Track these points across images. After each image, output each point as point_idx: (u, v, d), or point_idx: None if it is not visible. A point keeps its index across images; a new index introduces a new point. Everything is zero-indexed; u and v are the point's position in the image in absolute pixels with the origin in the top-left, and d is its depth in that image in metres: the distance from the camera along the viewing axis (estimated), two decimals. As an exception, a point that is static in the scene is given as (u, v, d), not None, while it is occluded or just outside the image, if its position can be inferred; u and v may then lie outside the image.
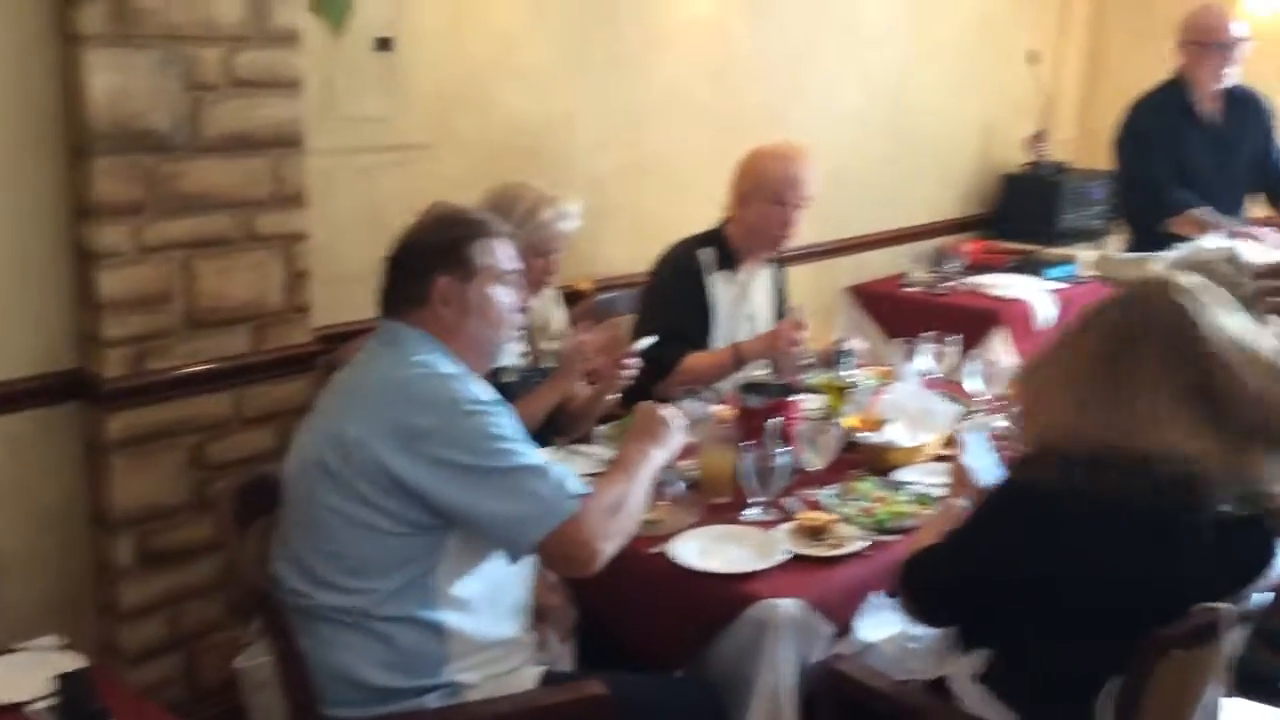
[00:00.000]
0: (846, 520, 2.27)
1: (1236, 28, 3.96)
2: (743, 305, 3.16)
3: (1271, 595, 1.81)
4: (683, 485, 2.39)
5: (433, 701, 1.85)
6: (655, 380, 2.82)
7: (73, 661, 2.04)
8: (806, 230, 4.15)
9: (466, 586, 1.87)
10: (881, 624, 2.08)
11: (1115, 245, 4.71)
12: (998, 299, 4.22)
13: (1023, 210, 5.05)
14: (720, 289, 3.09)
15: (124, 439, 2.49)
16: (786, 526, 2.25)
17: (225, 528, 2.01)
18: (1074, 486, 1.71)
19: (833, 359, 3.02)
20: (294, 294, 2.70)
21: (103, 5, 2.31)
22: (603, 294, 3.45)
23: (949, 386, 3.00)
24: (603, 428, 2.75)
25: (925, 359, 3.05)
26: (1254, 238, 3.74)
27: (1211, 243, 2.49)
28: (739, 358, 2.95)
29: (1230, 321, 1.76)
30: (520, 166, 3.26)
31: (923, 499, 2.36)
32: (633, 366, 2.66)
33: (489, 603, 1.90)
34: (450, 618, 1.85)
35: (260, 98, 2.57)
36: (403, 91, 3.05)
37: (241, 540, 1.97)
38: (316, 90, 2.80)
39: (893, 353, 3.14)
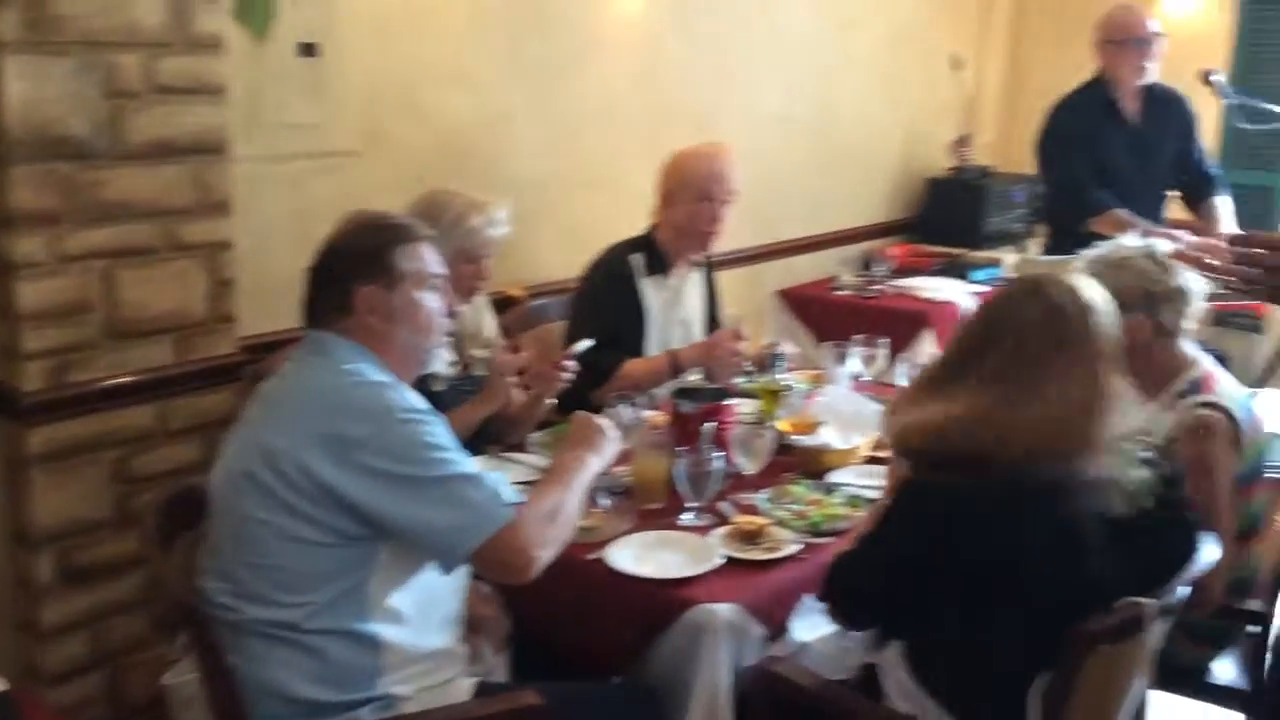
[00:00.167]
0: (781, 523, 2.29)
1: (1151, 24, 4.04)
2: (675, 309, 3.17)
3: (1190, 589, 1.86)
4: (617, 493, 2.39)
5: (366, 715, 1.83)
6: (592, 387, 2.82)
7: (-8, 684, 1.98)
8: (735, 235, 4.18)
9: (399, 598, 1.85)
10: (816, 625, 2.10)
11: (1038, 247, 4.80)
12: (926, 301, 4.29)
13: (948, 214, 5.13)
14: (652, 293, 3.10)
15: (45, 454, 2.43)
16: (721, 531, 2.26)
17: (150, 542, 1.97)
18: (971, 487, 1.74)
19: (765, 363, 3.04)
20: (219, 304, 2.66)
21: (18, 12, 2.26)
22: (535, 300, 3.43)
23: (880, 388, 3.04)
24: (537, 435, 2.74)
25: (855, 362, 3.08)
26: (1171, 239, 3.83)
27: (1132, 240, 2.54)
28: (676, 365, 2.96)
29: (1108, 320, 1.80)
30: (451, 172, 3.24)
31: (856, 501, 2.38)
32: (570, 369, 2.65)
33: (422, 614, 1.88)
34: (383, 630, 1.83)
35: (183, 105, 2.53)
36: (330, 97, 3.02)
37: (167, 555, 1.93)
38: (241, 97, 2.76)
39: (823, 356, 3.17)
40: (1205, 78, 3.90)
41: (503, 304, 3.29)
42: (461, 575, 1.94)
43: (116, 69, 2.41)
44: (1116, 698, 1.82)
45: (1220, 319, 3.97)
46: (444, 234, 2.40)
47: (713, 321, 3.28)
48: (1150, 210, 4.01)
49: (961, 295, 4.28)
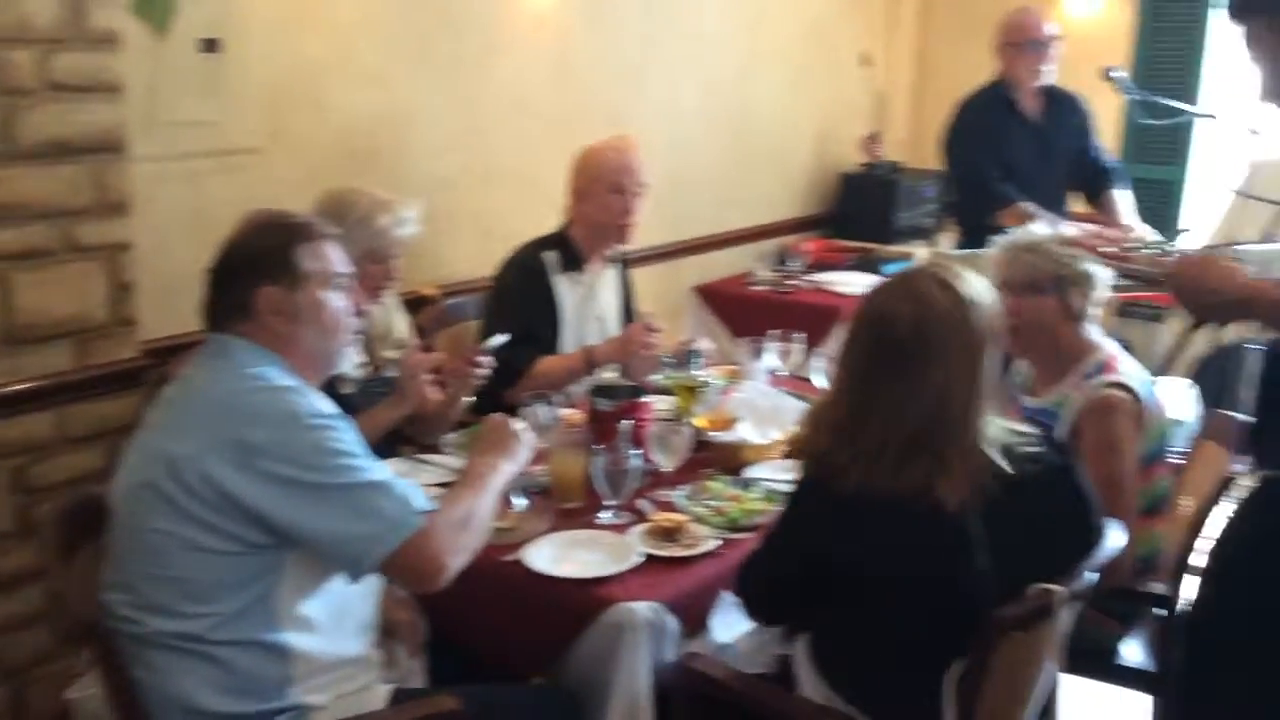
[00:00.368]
0: (699, 520, 2.29)
1: (1049, 27, 4.15)
2: (590, 306, 3.15)
3: (1097, 575, 1.89)
4: (535, 493, 2.36)
5: (279, 725, 1.79)
6: (506, 385, 2.79)
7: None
8: (651, 231, 4.19)
9: (309, 606, 1.80)
10: (735, 622, 2.10)
11: (949, 241, 4.87)
12: (840, 296, 4.34)
13: (860, 209, 5.19)
14: (566, 290, 3.09)
15: (-63, 465, 2.34)
16: (640, 529, 2.25)
17: (50, 554, 1.90)
18: (855, 488, 1.75)
19: (682, 359, 3.04)
20: (119, 307, 2.59)
21: (-99, 6, 2.17)
22: (449, 299, 3.40)
23: (796, 383, 3.06)
24: (453, 435, 2.71)
25: (772, 357, 3.10)
26: (1076, 229, 3.93)
27: (1042, 227, 2.61)
28: (590, 362, 2.94)
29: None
30: (358, 170, 3.19)
31: (773, 496, 2.39)
32: (484, 366, 2.62)
33: (334, 621, 1.84)
34: (293, 638, 1.78)
35: (79, 102, 2.45)
36: (231, 94, 2.95)
37: (68, 567, 1.87)
38: (139, 94, 2.69)
39: (740, 352, 3.18)
40: (1107, 74, 4.00)
41: (416, 303, 3.25)
42: (374, 581, 1.90)
43: (8, 66, 2.33)
44: (1028, 682, 1.85)
45: (1123, 309, 4.08)
46: (350, 234, 2.36)
47: (629, 318, 3.28)
48: (1052, 204, 4.11)
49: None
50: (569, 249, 3.10)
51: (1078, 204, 4.39)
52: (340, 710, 1.83)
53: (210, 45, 2.87)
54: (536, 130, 3.78)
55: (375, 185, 2.72)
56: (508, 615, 2.11)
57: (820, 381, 2.95)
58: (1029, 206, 3.94)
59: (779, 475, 2.49)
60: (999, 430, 1.81)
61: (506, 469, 1.99)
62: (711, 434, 2.64)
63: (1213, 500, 2.31)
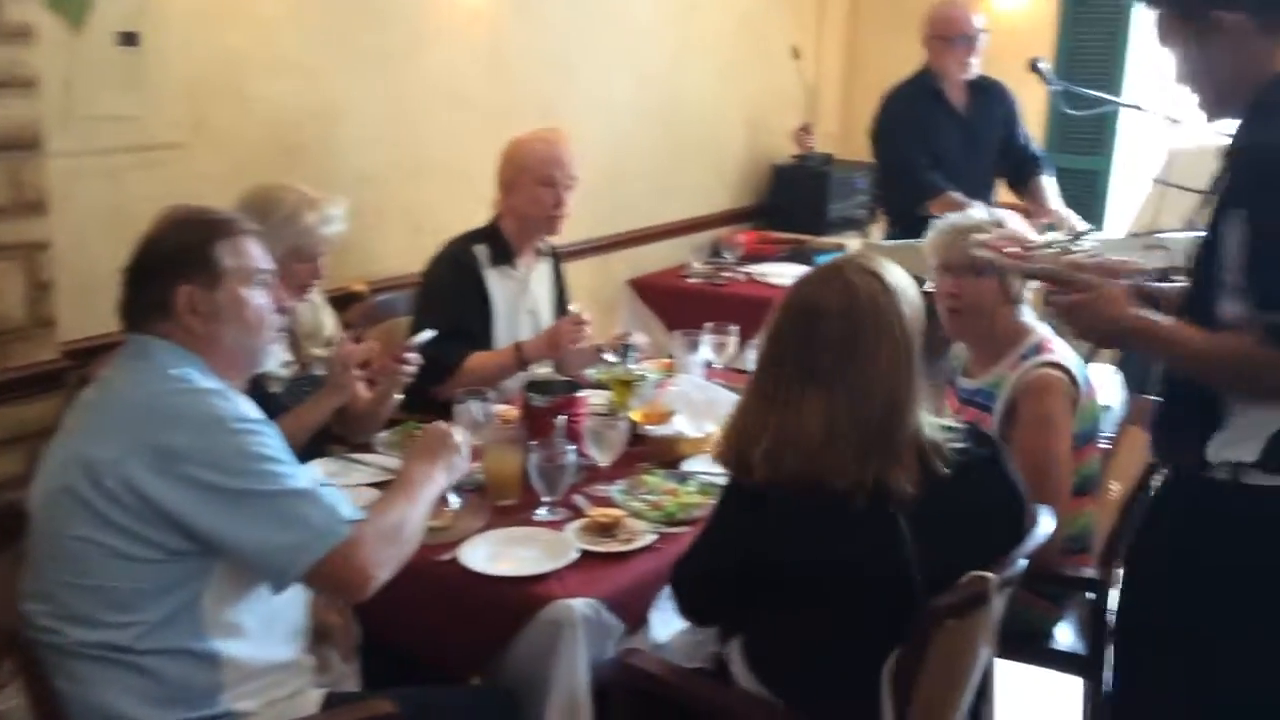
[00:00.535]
0: (636, 515, 2.28)
1: (976, 20, 4.20)
2: (523, 299, 3.13)
3: (1026, 562, 1.91)
4: (469, 490, 2.34)
5: (209, 734, 1.75)
6: (436, 382, 2.76)
7: None
8: (584, 224, 4.17)
9: (238, 611, 1.76)
10: (674, 616, 2.10)
11: (880, 232, 4.91)
12: (774, 287, 4.34)
13: (792, 201, 5.22)
14: (497, 285, 3.06)
15: None
16: (576, 525, 2.23)
17: (-34, 563, 1.84)
18: (784, 490, 1.74)
19: (617, 353, 3.03)
20: (37, 307, 2.52)
21: None
22: (379, 295, 3.35)
23: (731, 375, 3.06)
24: (383, 434, 2.67)
25: (706, 349, 3.09)
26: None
27: (980, 211, 2.66)
28: (521, 358, 2.92)
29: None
30: (284, 164, 3.13)
31: (709, 489, 2.39)
32: (413, 362, 2.59)
33: (264, 626, 1.80)
34: (222, 645, 1.75)
35: (-8, 98, 2.39)
36: (151, 87, 2.87)
37: (-14, 576, 1.81)
38: (56, 89, 2.62)
39: (675, 345, 3.18)
40: (1032, 66, 4.05)
41: (344, 300, 3.20)
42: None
43: (-86, 60, 2.26)
44: (964, 669, 1.87)
45: (1049, 297, 4.13)
46: (276, 231, 2.32)
47: (562, 311, 3.26)
48: (980, 193, 4.15)
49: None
50: (499, 242, 3.07)
51: (1005, 192, 4.44)
52: (272, 716, 1.79)
53: (128, 38, 2.80)
54: (467, 123, 3.74)
55: (302, 180, 2.67)
56: (444, 615, 2.09)
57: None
58: (958, 195, 3.98)
59: (716, 468, 2.48)
60: (929, 426, 1.82)
61: (441, 479, 1.95)
62: (647, 428, 2.63)
63: (1139, 485, 2.36)
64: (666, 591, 2.09)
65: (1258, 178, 1.80)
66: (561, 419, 2.47)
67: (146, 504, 1.67)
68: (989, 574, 1.76)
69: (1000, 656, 2.12)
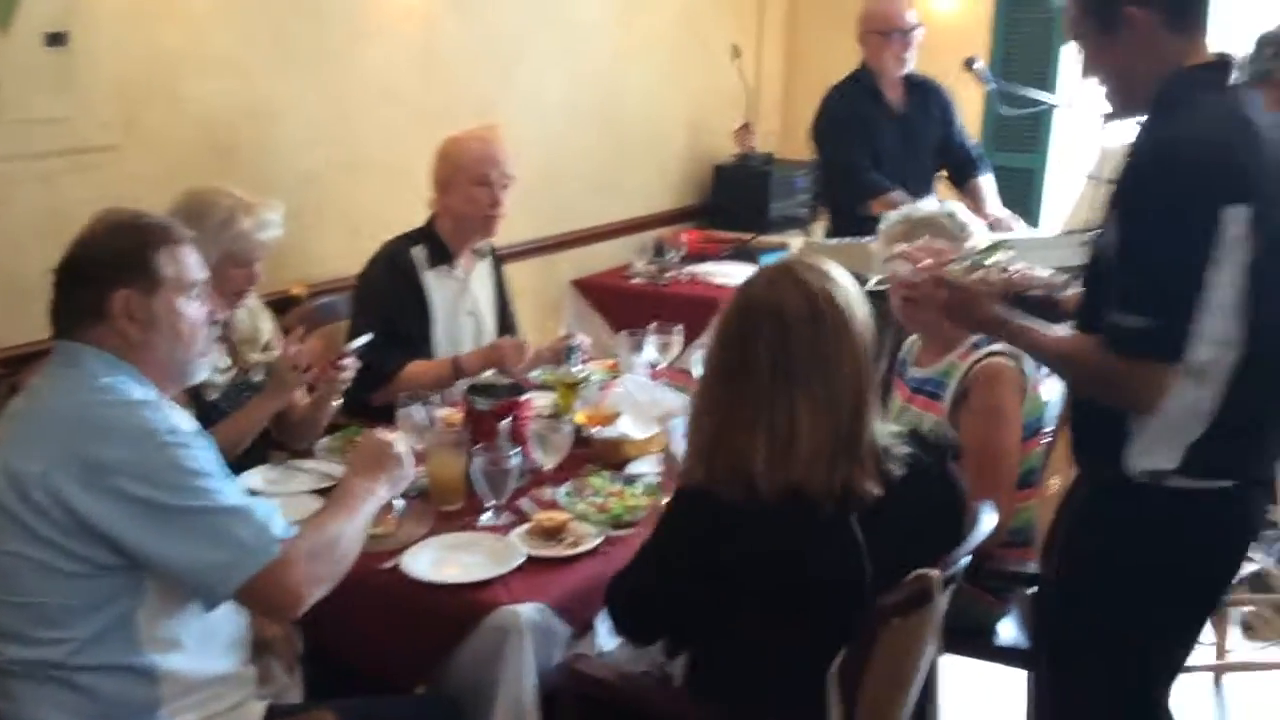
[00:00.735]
0: (582, 518, 2.27)
1: (911, 15, 4.23)
2: (463, 301, 3.10)
3: (969, 558, 1.93)
4: (412, 496, 2.31)
5: (148, 749, 1.71)
6: (373, 389, 2.73)
7: None
8: (527, 225, 4.15)
9: (174, 625, 1.72)
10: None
11: (821, 231, 4.94)
12: (718, 287, 4.35)
13: (735, 200, 5.22)
14: (435, 286, 3.03)
15: None
16: (522, 529, 2.22)
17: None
18: (739, 497, 1.71)
19: (561, 355, 3.01)
20: (-35, 315, 2.45)
21: None
22: (319, 298, 3.30)
23: (676, 375, 3.06)
24: (324, 440, 2.63)
25: (651, 350, 3.09)
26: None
27: (931, 203, 2.69)
28: (458, 371, 2.89)
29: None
30: (219, 165, 3.08)
31: (655, 490, 2.38)
32: (350, 368, 2.55)
33: (202, 639, 1.76)
34: (159, 659, 1.71)
35: (-86, 100, 2.32)
36: (82, 89, 2.81)
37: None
38: (-19, 91, 2.55)
39: (619, 345, 3.17)
40: (968, 65, 4.10)
41: (284, 304, 3.15)
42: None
43: None
44: (910, 667, 1.88)
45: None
46: (211, 237, 2.28)
47: (503, 312, 3.23)
48: (921, 192, 4.18)
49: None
50: (436, 243, 3.04)
51: (945, 190, 4.48)
52: (213, 730, 1.76)
53: (57, 39, 2.73)
54: (405, 121, 3.70)
55: (238, 180, 2.63)
56: (387, 624, 2.06)
57: (700, 373, 2.94)
58: (899, 194, 4.01)
59: (662, 469, 2.48)
60: (880, 430, 1.82)
61: (383, 493, 1.91)
62: (592, 430, 2.62)
63: (1077, 481, 2.38)
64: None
65: (1133, 177, 1.83)
66: (506, 422, 2.45)
67: (73, 518, 1.63)
68: (933, 571, 1.77)
69: (945, 652, 2.14)
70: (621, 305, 4.36)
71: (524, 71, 4.23)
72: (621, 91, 4.76)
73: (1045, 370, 2.36)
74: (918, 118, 4.32)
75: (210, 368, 2.05)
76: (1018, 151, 5.28)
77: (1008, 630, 2.53)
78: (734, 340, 1.79)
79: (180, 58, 3.03)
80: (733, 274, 4.44)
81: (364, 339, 2.58)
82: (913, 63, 4.26)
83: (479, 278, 3.17)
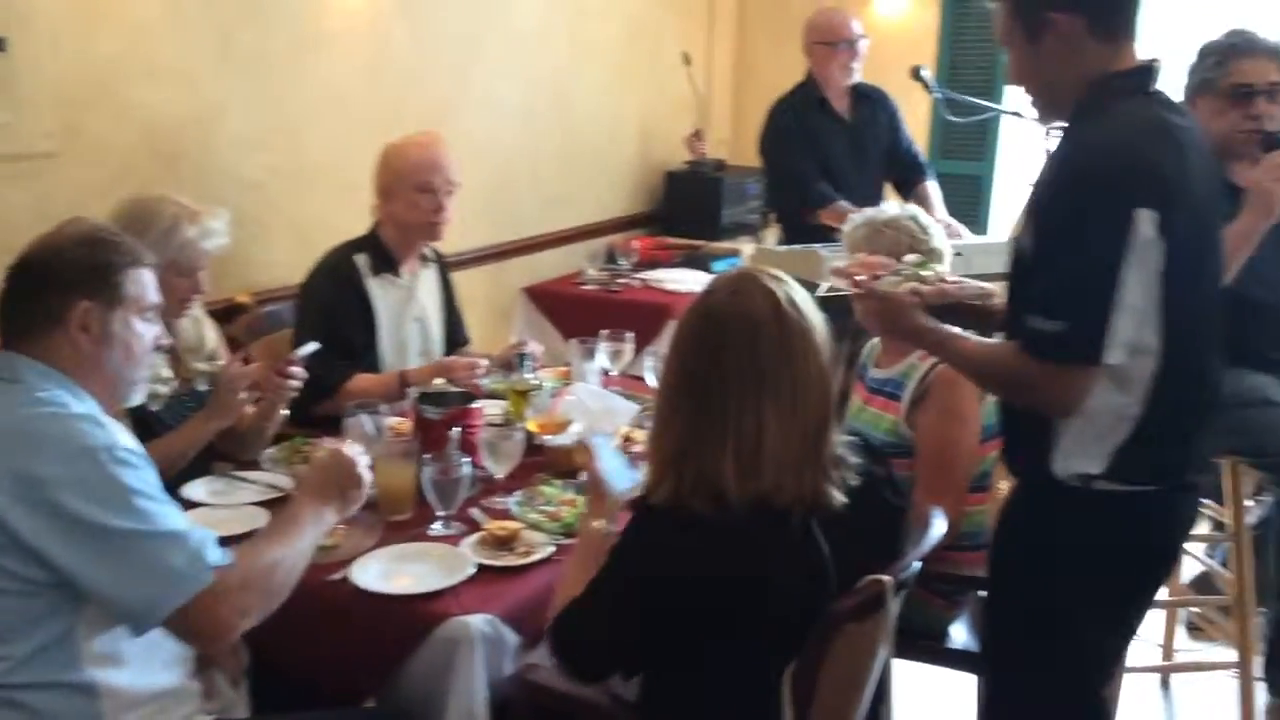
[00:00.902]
0: (534, 527, 2.25)
1: (856, 26, 4.26)
2: (409, 308, 3.07)
3: (920, 564, 1.94)
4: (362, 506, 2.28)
5: (90, 768, 1.66)
6: (319, 400, 2.69)
7: None
8: (478, 232, 4.13)
9: (116, 639, 1.68)
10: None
11: (772, 238, 4.96)
12: (670, 293, 4.36)
13: (686, 206, 5.24)
14: (379, 294, 3.00)
15: None
16: (473, 539, 2.19)
17: None
18: (704, 512, 1.68)
19: (512, 363, 2.99)
20: (-101, 325, 2.37)
21: None
22: (265, 307, 3.26)
23: (627, 383, 3.05)
24: (270, 450, 2.59)
25: (603, 357, 3.07)
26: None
27: (894, 206, 2.71)
28: (405, 384, 2.85)
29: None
30: (163, 172, 3.03)
31: (607, 497, 2.37)
32: (297, 376, 2.52)
33: (144, 653, 1.72)
34: (100, 675, 1.67)
35: None
36: (21, 94, 2.75)
37: None
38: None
39: (571, 353, 3.15)
40: (915, 74, 4.13)
41: (229, 312, 3.11)
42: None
43: None
44: (863, 672, 1.88)
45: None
46: (155, 246, 2.22)
47: (450, 319, 3.21)
48: (869, 201, 4.19)
49: (704, 285, 4.37)
50: (380, 251, 3.01)
51: (892, 199, 4.51)
52: (157, 747, 1.72)
53: (-6, 43, 2.68)
54: (352, 128, 3.66)
55: (182, 188, 2.58)
56: (335, 636, 2.02)
57: (653, 380, 2.95)
58: (846, 205, 4.03)
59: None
60: (837, 440, 1.82)
61: (330, 519, 1.87)
62: (544, 438, 2.60)
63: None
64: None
65: (1047, 182, 1.86)
66: (456, 431, 2.42)
67: (6, 533, 1.59)
68: (885, 576, 1.77)
69: (897, 656, 2.14)
70: (573, 312, 4.35)
71: (473, 78, 4.21)
72: (573, 98, 4.76)
73: None
74: (864, 126, 4.35)
75: (145, 394, 2.01)
76: (965, 159, 5.34)
77: (960, 634, 2.55)
78: (699, 350, 1.75)
79: (123, 64, 2.98)
80: (685, 280, 4.45)
81: (311, 347, 2.55)
82: (859, 73, 4.29)
83: (425, 285, 3.14)
